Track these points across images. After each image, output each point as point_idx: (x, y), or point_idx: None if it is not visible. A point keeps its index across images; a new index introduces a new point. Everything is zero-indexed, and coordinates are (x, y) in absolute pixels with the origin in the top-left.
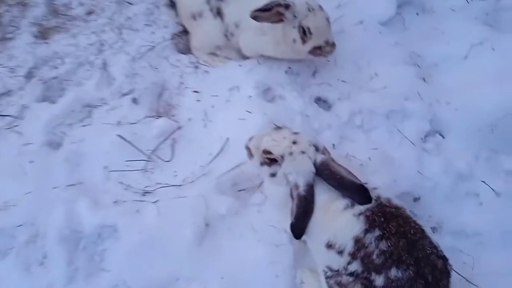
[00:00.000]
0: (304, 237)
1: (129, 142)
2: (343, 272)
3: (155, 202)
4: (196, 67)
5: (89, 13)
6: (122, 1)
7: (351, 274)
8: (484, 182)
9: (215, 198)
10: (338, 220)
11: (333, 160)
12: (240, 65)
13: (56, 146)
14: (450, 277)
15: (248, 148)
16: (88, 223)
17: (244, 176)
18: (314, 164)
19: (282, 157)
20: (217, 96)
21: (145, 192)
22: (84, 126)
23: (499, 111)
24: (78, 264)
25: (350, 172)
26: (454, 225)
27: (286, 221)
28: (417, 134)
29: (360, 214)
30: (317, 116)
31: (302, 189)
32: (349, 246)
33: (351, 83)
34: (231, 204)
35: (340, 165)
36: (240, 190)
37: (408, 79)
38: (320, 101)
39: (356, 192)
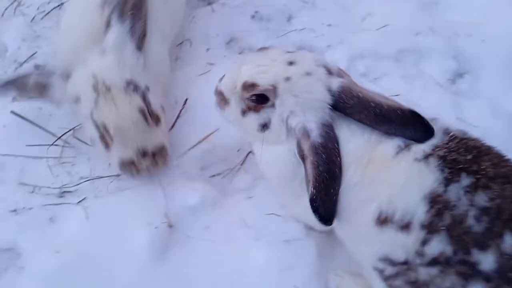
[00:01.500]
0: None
1: (31, 121)
2: (418, 261)
3: (80, 202)
4: None
5: None
6: None
7: (433, 262)
8: None
9: (179, 185)
10: (390, 175)
11: (357, 85)
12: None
13: None
14: None
15: (219, 94)
16: None
17: (216, 154)
18: (330, 92)
19: (275, 88)
20: None
21: (63, 192)
22: None
23: None
24: None
25: (388, 97)
26: None
27: (296, 202)
28: (443, 75)
29: (427, 156)
30: None
31: (316, 134)
32: (421, 213)
33: (340, 27)
34: (204, 192)
35: (368, 90)
36: (213, 176)
37: (411, 12)
38: None
39: (407, 122)
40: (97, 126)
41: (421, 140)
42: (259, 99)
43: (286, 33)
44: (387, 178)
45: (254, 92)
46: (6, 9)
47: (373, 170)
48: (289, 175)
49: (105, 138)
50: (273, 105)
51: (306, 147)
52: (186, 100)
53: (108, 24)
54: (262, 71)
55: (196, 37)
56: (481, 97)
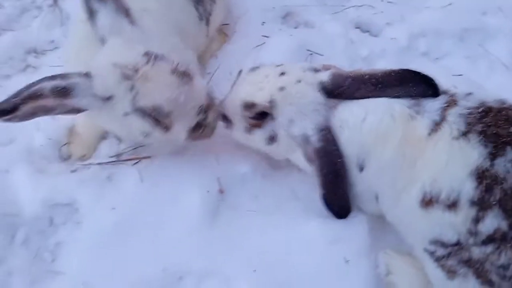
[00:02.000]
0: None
1: None
2: (471, 241)
3: (135, 164)
4: None
5: None
6: None
7: (489, 239)
8: None
9: (230, 154)
10: (430, 155)
11: (344, 70)
12: None
13: None
14: None
15: (223, 117)
16: (29, 201)
17: None
18: (323, 88)
19: (272, 101)
20: None
21: (120, 154)
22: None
23: None
24: (14, 265)
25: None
26: None
27: None
28: (510, 57)
29: (465, 133)
30: (364, 41)
31: (315, 139)
32: (468, 189)
33: (400, 4)
34: (255, 162)
35: (356, 70)
36: None
37: None
38: (361, 30)
39: (405, 81)
40: (146, 114)
41: (427, 93)
42: (260, 116)
43: (344, 9)
44: (428, 159)
45: (255, 111)
46: None
47: (413, 151)
48: None
49: (161, 120)
50: (273, 118)
51: (309, 152)
52: (241, 71)
53: (91, 13)
54: (259, 88)
55: (252, 10)
56: None
